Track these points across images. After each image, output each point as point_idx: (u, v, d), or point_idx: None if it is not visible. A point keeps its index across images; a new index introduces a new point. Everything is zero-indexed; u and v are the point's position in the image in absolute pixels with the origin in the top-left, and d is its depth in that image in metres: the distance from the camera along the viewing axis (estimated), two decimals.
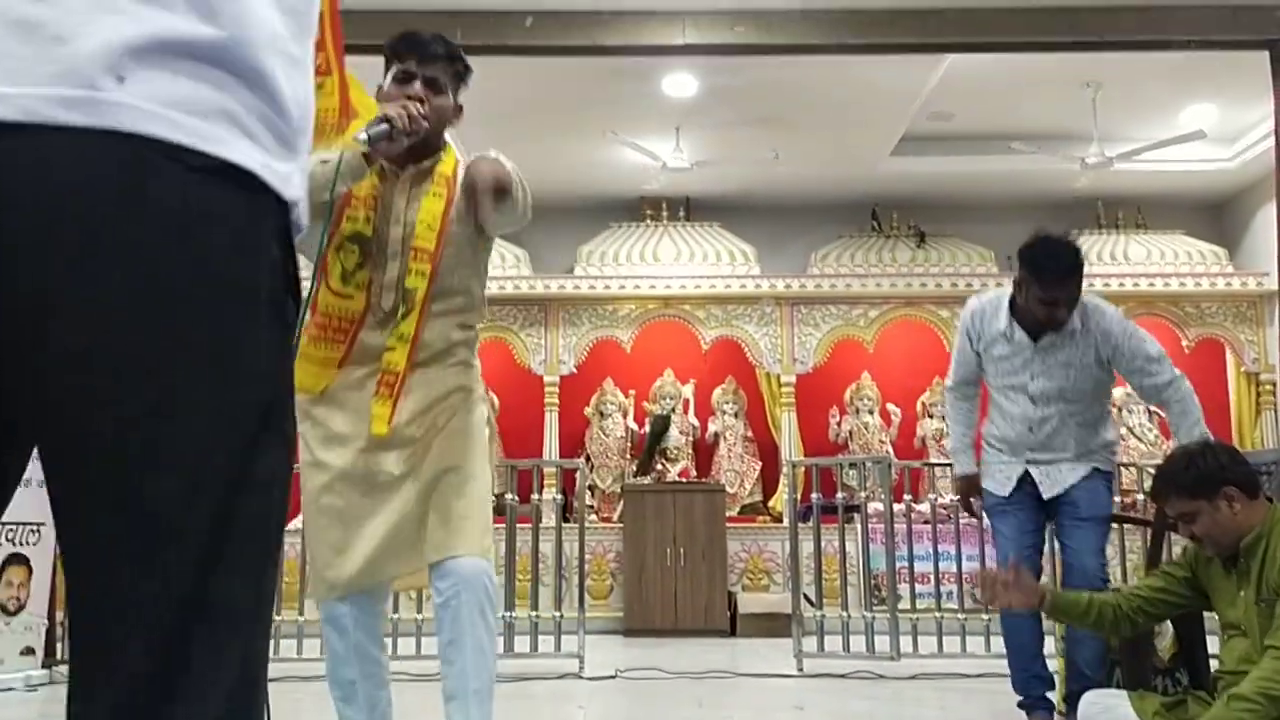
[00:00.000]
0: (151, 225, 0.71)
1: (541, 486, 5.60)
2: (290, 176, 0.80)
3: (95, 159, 0.70)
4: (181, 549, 0.71)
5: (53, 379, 0.70)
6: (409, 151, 2.22)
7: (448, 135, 2.41)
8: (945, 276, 7.70)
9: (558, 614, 5.16)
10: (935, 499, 5.53)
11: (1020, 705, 3.29)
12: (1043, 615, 3.15)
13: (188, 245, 0.72)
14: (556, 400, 7.64)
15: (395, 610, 4.97)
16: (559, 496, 5.45)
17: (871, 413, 7.89)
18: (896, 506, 5.24)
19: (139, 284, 0.70)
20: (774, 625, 6.49)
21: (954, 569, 5.24)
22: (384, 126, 2.04)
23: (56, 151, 0.69)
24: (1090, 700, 2.96)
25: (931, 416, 7.91)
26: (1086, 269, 7.44)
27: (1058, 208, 8.07)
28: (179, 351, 0.72)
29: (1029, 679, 3.30)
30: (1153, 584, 2.83)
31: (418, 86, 2.20)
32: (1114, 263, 7.76)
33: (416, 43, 2.24)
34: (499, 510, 5.38)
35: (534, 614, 5.12)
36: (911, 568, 5.26)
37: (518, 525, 5.35)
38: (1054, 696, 3.31)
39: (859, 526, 5.55)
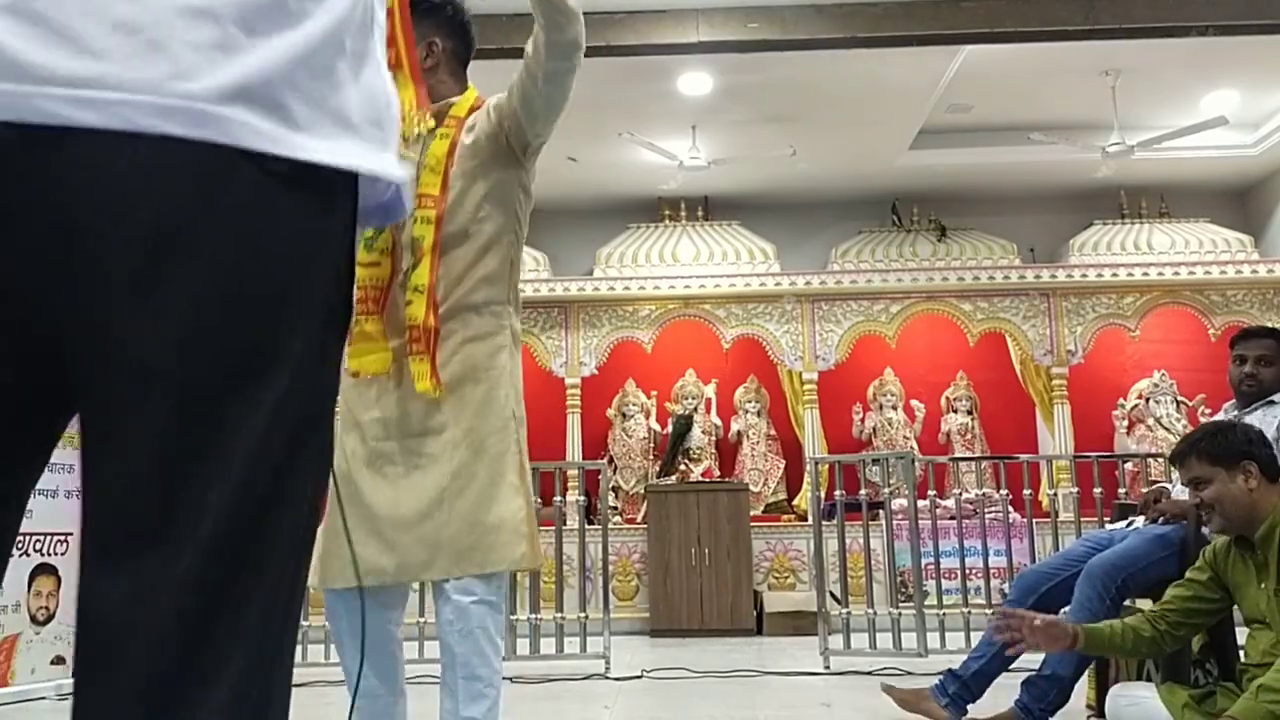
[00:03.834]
0: (225, 230, 0.72)
1: (565, 489, 5.61)
2: (384, 163, 0.81)
3: (175, 161, 0.70)
4: (206, 549, 0.71)
5: (116, 356, 0.71)
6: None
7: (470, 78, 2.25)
8: (967, 270, 7.65)
9: (583, 615, 5.16)
10: (960, 494, 5.49)
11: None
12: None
13: (258, 249, 0.73)
14: (578, 402, 7.64)
15: (422, 614, 4.98)
16: (582, 498, 5.45)
17: (895, 408, 7.84)
18: (921, 502, 5.20)
19: (207, 289, 0.71)
20: (800, 623, 6.47)
21: (980, 564, 5.19)
22: None
23: (135, 151, 0.70)
24: (1117, 693, 2.94)
25: (955, 411, 7.87)
26: (1109, 259, 7.40)
27: (1079, 198, 8.02)
28: (239, 356, 0.72)
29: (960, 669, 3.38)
30: (1181, 594, 2.78)
31: None
32: (1137, 252, 7.68)
33: None
34: None
35: (559, 616, 5.13)
36: (937, 564, 5.23)
37: (540, 528, 5.35)
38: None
39: (884, 523, 5.52)
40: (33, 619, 4.52)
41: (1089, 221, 7.92)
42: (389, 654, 2.18)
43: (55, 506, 4.58)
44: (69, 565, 4.69)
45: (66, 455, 4.84)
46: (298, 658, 4.68)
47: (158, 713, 0.69)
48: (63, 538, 4.64)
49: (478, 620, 2.04)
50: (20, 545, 4.45)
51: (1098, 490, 5.05)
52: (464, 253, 2.13)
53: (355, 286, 2.12)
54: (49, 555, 4.59)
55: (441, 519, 2.05)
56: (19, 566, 4.46)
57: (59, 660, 4.63)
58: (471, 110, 2.21)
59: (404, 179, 0.84)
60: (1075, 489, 5.19)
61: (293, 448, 0.75)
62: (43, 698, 4.47)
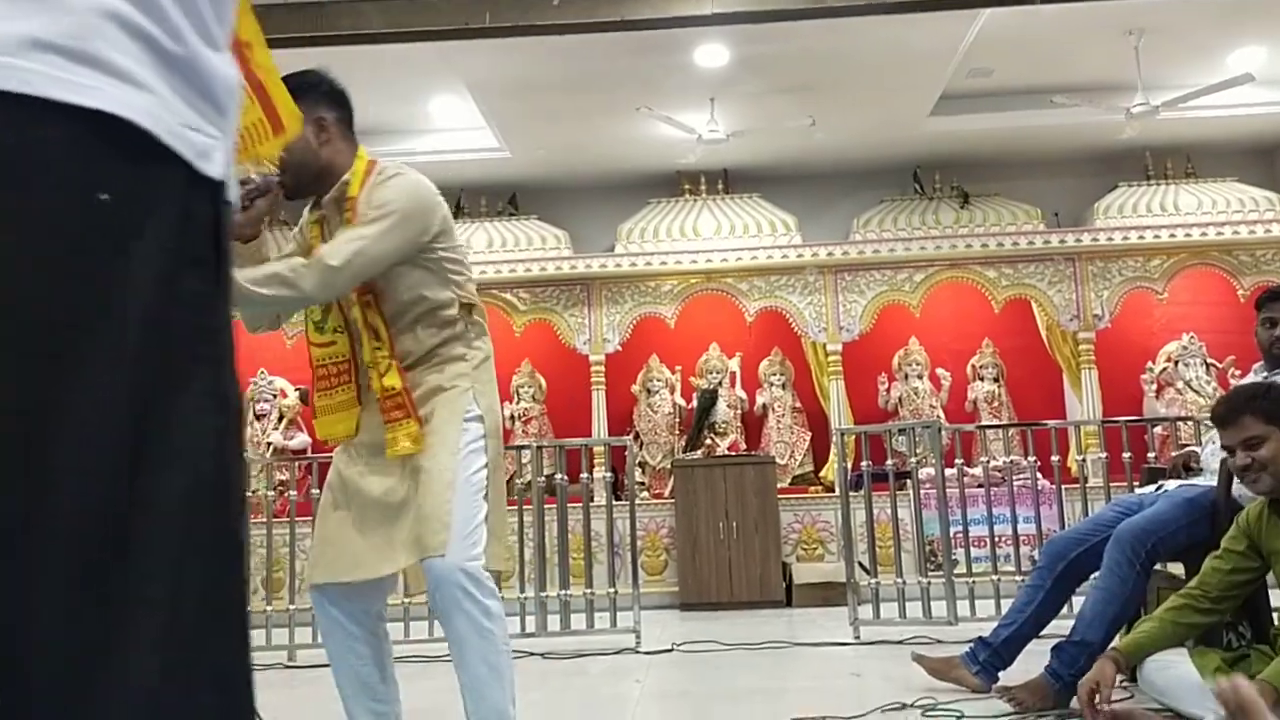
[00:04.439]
0: (31, 184, 0.68)
1: (591, 466, 5.63)
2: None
3: None
4: (65, 533, 0.66)
5: None
6: (310, 190, 2.32)
7: (363, 152, 2.41)
8: (991, 236, 7.59)
9: (613, 590, 5.19)
10: (988, 461, 5.47)
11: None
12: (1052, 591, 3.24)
13: (65, 204, 0.69)
14: (603, 379, 7.66)
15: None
16: (608, 475, 5.47)
17: (921, 378, 7.81)
18: (949, 471, 5.19)
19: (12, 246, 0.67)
20: (830, 594, 6.48)
21: (1009, 532, 5.18)
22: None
23: None
24: (1152, 659, 2.92)
25: (982, 379, 7.82)
26: (1135, 222, 7.32)
27: (1104, 160, 7.93)
28: (56, 312, 0.68)
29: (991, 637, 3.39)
30: (1219, 566, 2.76)
31: None
32: (1164, 214, 7.59)
33: None
34: (549, 490, 5.43)
35: (589, 591, 5.16)
36: (966, 532, 5.22)
37: (569, 505, 5.38)
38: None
39: (911, 493, 5.51)
40: None
41: (1114, 184, 7.83)
42: (372, 641, 2.36)
43: None
44: None
45: None
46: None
47: None
48: None
49: (445, 584, 2.20)
50: None
51: (1126, 455, 5.02)
52: (410, 317, 2.31)
53: (315, 364, 2.36)
54: None
55: (400, 519, 2.26)
56: None
57: None
58: (362, 184, 2.35)
59: (226, 146, 0.82)
60: (1104, 454, 5.16)
61: (153, 399, 0.71)
62: None
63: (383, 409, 2.31)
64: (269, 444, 7.55)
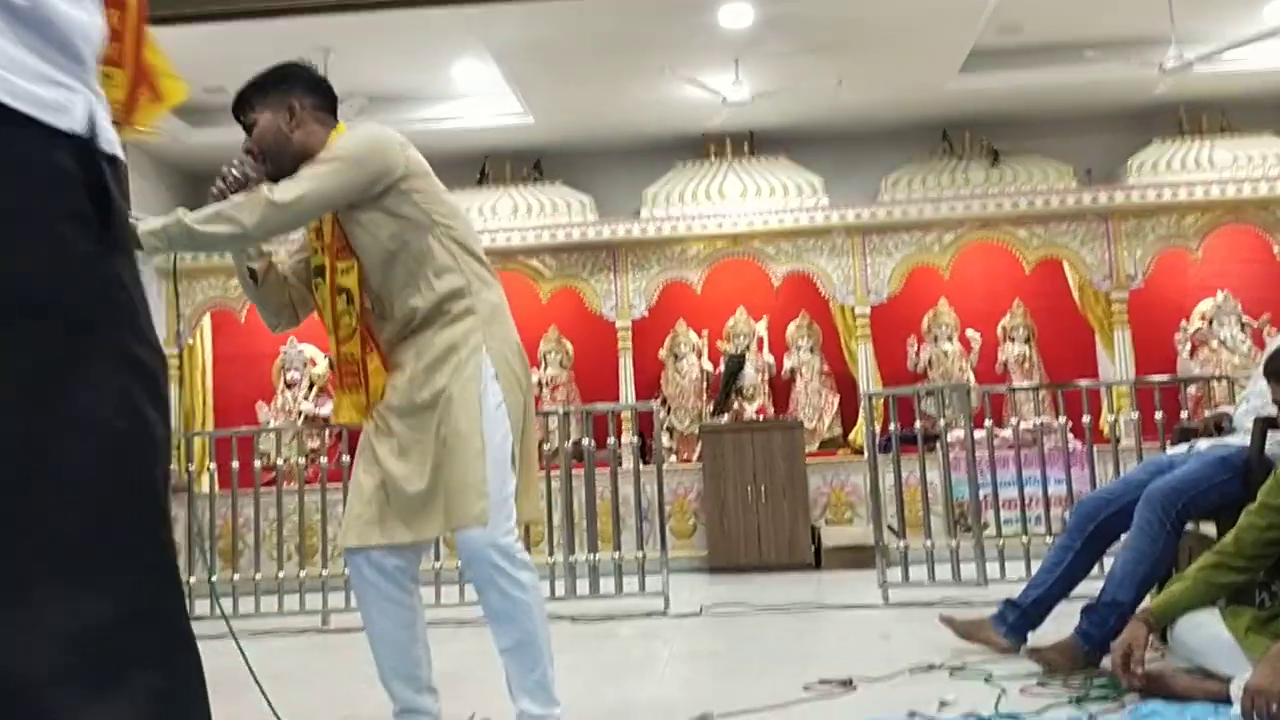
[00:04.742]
0: None
1: (619, 431, 5.64)
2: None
3: None
4: None
5: None
6: (290, 173, 2.34)
7: (345, 124, 2.47)
8: (1022, 195, 7.49)
9: (641, 554, 5.21)
10: (1018, 423, 5.42)
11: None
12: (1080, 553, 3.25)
13: None
14: (629, 345, 7.65)
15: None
16: (635, 439, 5.47)
17: (950, 340, 7.75)
18: (978, 433, 5.15)
19: None
20: (859, 557, 6.48)
21: (1040, 493, 5.15)
22: (218, 189, 2.29)
23: None
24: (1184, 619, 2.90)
25: (1012, 340, 7.75)
26: (1169, 178, 7.21)
27: (1137, 116, 7.78)
28: None
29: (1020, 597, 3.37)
30: (1256, 523, 2.72)
31: (247, 139, 2.40)
32: (1199, 169, 7.45)
33: (233, 107, 2.42)
34: (577, 456, 5.45)
35: (617, 555, 5.18)
36: (996, 494, 5.18)
37: (596, 470, 5.40)
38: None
39: (940, 455, 5.48)
40: None
41: (1147, 140, 7.69)
42: (406, 603, 2.40)
43: None
44: None
45: None
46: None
47: None
48: None
49: (478, 561, 2.26)
50: None
51: (1159, 415, 4.96)
52: (401, 271, 2.33)
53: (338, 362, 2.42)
54: None
55: (432, 489, 2.28)
56: None
57: None
58: None
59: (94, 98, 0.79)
60: (1136, 414, 5.10)
61: (44, 363, 0.70)
62: None
63: (340, 374, 2.39)
64: (300, 412, 7.61)
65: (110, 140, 0.79)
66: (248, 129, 2.39)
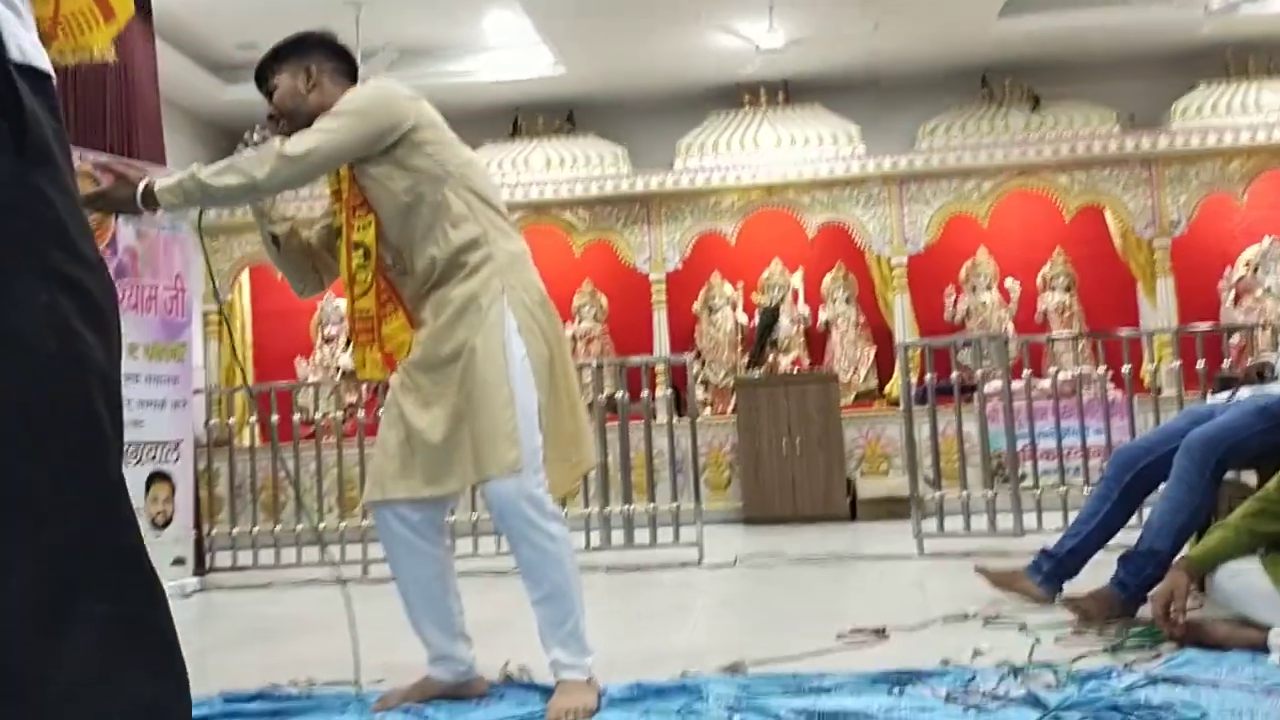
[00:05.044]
0: None
1: (654, 384, 5.64)
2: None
3: None
4: None
5: None
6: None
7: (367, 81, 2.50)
8: (1063, 141, 7.34)
9: (675, 505, 5.23)
10: (1056, 373, 5.35)
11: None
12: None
13: None
14: (664, 298, 7.63)
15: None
16: (669, 392, 5.47)
17: (989, 289, 7.66)
18: (1016, 384, 5.10)
19: None
20: (894, 509, 6.47)
21: (1078, 444, 5.10)
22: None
23: None
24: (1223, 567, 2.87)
25: (1052, 289, 7.65)
26: (1214, 122, 7.06)
27: (1182, 59, 7.58)
28: None
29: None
30: None
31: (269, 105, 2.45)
32: (1245, 113, 7.26)
33: (255, 76, 2.47)
34: (611, 409, 5.46)
35: (652, 506, 5.21)
36: (1034, 445, 5.14)
37: (630, 423, 5.41)
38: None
39: (977, 406, 5.43)
40: (152, 523, 4.76)
41: (1192, 83, 7.50)
42: (433, 555, 2.42)
43: (164, 416, 4.78)
44: (182, 472, 4.91)
45: (169, 368, 5.01)
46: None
47: None
48: (173, 445, 4.85)
49: (510, 514, 2.27)
50: (135, 454, 4.66)
51: (1201, 364, 4.89)
52: (419, 224, 2.33)
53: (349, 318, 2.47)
54: (162, 463, 4.80)
55: (455, 439, 2.29)
56: (136, 475, 4.68)
57: (179, 561, 4.88)
58: None
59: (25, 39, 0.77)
60: (1178, 363, 5.02)
61: None
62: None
63: (354, 330, 2.43)
64: (338, 367, 7.68)
65: (24, 51, 0.77)
66: (270, 97, 2.44)
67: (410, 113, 2.34)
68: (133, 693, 0.74)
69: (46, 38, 2.78)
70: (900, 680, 2.36)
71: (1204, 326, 5.38)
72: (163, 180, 2.26)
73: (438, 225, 2.32)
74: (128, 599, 0.76)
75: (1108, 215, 7.50)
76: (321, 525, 5.38)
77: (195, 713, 2.49)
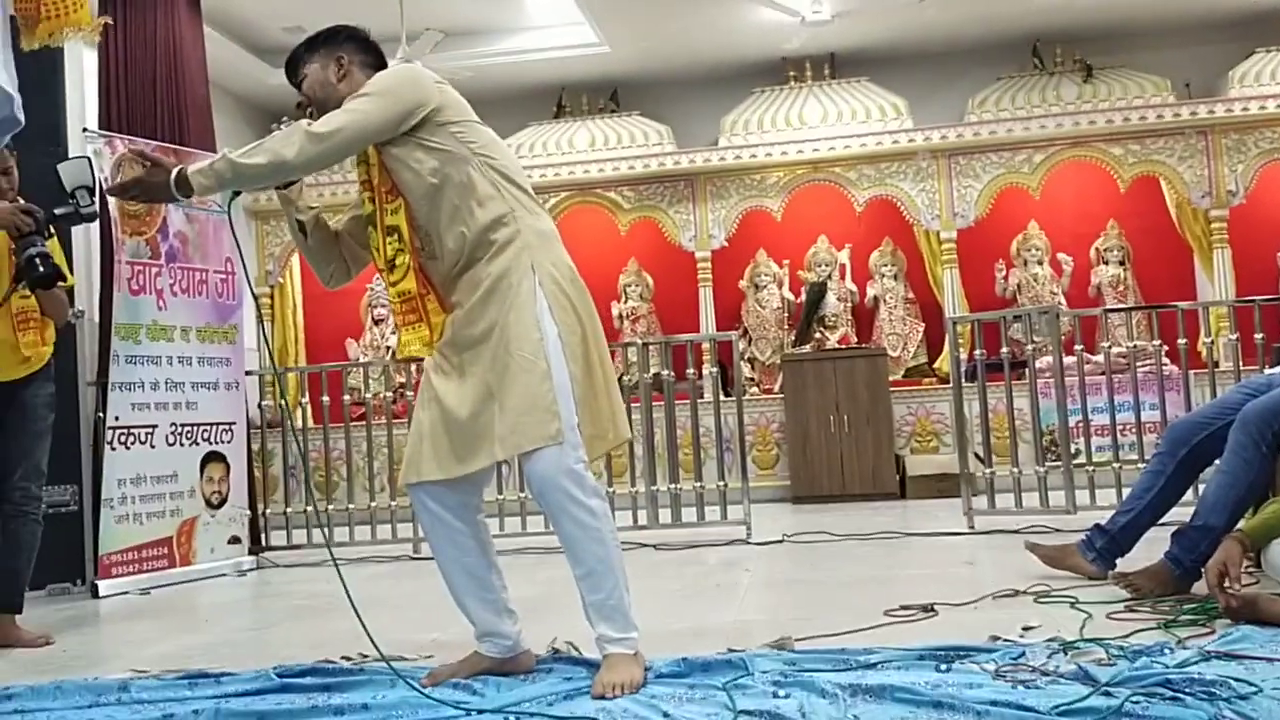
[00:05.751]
0: None
1: (700, 362, 5.63)
2: None
3: None
4: None
5: None
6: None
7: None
8: (1116, 111, 7.20)
9: (723, 483, 5.22)
10: (1109, 347, 5.26)
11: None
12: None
13: None
14: (710, 275, 7.61)
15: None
16: (715, 370, 5.46)
17: (1041, 263, 7.55)
18: (1068, 359, 5.02)
19: None
20: (944, 486, 6.42)
21: (1133, 419, 5.01)
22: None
23: None
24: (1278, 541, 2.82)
25: (1106, 263, 7.52)
26: (1273, 89, 6.86)
27: (1239, 25, 7.40)
28: None
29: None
30: None
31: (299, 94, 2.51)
32: None
33: (286, 68, 2.52)
34: (657, 388, 5.46)
35: (699, 485, 5.21)
36: (1086, 421, 5.06)
37: (676, 401, 5.41)
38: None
39: (1028, 382, 5.36)
40: (207, 503, 4.85)
41: (1250, 50, 7.31)
42: (471, 533, 2.43)
43: (216, 398, 4.86)
44: (235, 452, 4.99)
45: (222, 350, 5.08)
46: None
47: None
48: (228, 427, 4.93)
49: (550, 490, 2.27)
50: (190, 435, 4.75)
51: (1259, 336, 4.78)
52: (446, 205, 2.35)
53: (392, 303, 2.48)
54: (217, 443, 4.89)
55: (489, 414, 2.29)
56: (191, 455, 4.77)
57: (235, 540, 4.98)
58: None
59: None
60: (1235, 336, 4.92)
61: None
62: (223, 574, 4.83)
63: (398, 312, 2.43)
64: (387, 348, 7.75)
65: None
66: (299, 87, 2.48)
67: (435, 92, 2.36)
68: None
69: (32, 21, 2.90)
70: (948, 656, 2.34)
71: (1263, 298, 5.26)
72: (196, 164, 2.30)
73: (464, 204, 2.34)
74: None
75: (1163, 186, 7.35)
76: (372, 504, 5.45)
77: (251, 686, 2.52)
